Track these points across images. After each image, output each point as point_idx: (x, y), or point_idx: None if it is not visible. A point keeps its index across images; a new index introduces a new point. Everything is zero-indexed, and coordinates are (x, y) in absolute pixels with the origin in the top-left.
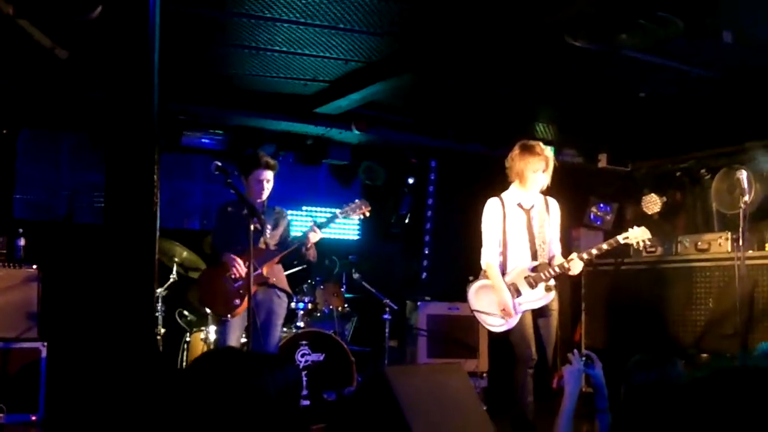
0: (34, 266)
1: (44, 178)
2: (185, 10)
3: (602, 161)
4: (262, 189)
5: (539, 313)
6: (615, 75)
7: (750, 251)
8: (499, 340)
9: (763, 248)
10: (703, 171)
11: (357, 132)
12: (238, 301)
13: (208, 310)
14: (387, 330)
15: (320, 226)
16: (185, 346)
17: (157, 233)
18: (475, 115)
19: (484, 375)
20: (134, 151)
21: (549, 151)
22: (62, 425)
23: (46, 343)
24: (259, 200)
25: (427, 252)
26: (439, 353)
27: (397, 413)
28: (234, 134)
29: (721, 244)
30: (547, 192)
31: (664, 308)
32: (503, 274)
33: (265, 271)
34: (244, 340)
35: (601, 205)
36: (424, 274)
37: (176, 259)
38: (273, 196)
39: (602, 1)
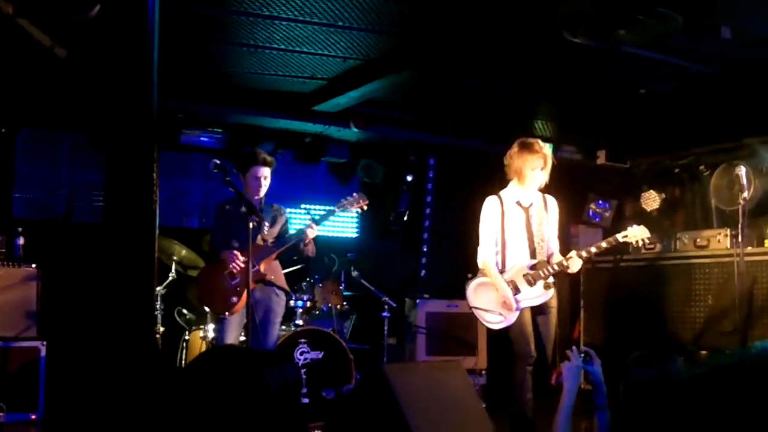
0: (34, 265)
1: (43, 177)
2: (184, 8)
3: (601, 158)
4: (260, 186)
5: (538, 311)
6: (614, 71)
7: (749, 247)
8: (498, 337)
9: (762, 244)
10: (702, 167)
11: (355, 129)
12: (235, 299)
13: (206, 309)
14: (386, 328)
15: (317, 221)
16: (184, 344)
17: (157, 231)
18: (473, 112)
19: (483, 372)
20: (134, 150)
21: (547, 149)
22: (62, 424)
23: (45, 342)
24: (256, 197)
25: (425, 249)
26: (438, 351)
27: (396, 411)
28: (232, 132)
29: (720, 240)
30: (545, 189)
31: (663, 305)
32: (502, 272)
33: (262, 268)
34: (242, 338)
35: (600, 201)
36: (423, 272)
37: (175, 258)
38: (272, 193)
39: None
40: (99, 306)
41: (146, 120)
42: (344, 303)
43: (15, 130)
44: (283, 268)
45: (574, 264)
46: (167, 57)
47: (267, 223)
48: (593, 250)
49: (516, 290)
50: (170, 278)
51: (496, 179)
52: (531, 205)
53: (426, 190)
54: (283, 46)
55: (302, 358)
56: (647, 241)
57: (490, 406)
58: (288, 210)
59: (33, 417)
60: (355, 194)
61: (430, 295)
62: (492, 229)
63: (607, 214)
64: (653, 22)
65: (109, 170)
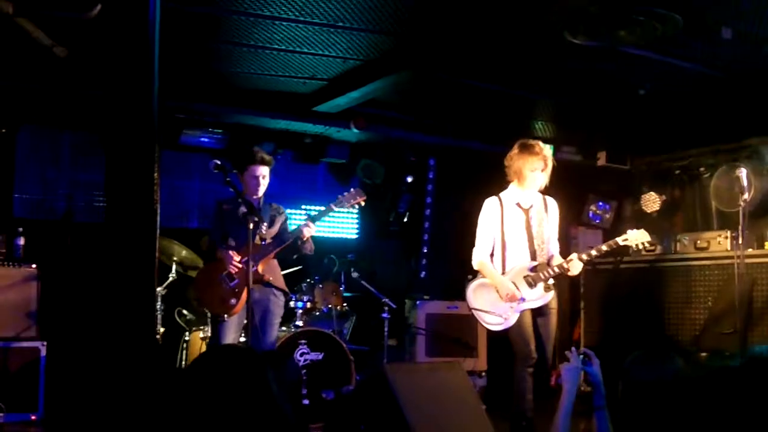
0: (34, 265)
1: (43, 176)
2: (185, 8)
3: (601, 159)
4: (258, 185)
5: (538, 312)
6: (614, 72)
7: (749, 249)
8: (498, 338)
9: (762, 246)
10: (702, 169)
11: (356, 130)
12: (234, 301)
13: (205, 311)
14: (386, 329)
15: (314, 219)
16: (184, 345)
17: (158, 231)
18: (473, 113)
19: (483, 374)
20: (134, 150)
21: (548, 151)
22: (62, 424)
23: (45, 343)
24: (255, 196)
25: (425, 251)
26: (437, 352)
27: (396, 410)
28: (232, 132)
29: (720, 242)
30: (545, 190)
31: (663, 307)
32: (502, 274)
33: (260, 268)
34: (242, 339)
35: (600, 203)
36: (423, 273)
37: (175, 258)
38: (271, 194)
39: None
40: (99, 306)
41: (147, 119)
42: (344, 304)
43: (15, 129)
44: (283, 269)
45: (575, 267)
46: (167, 57)
47: (266, 223)
48: (593, 253)
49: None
50: (170, 279)
51: (496, 180)
52: (531, 206)
53: (426, 190)
54: (283, 47)
55: (302, 359)
56: (647, 244)
57: (491, 407)
58: (288, 211)
59: (33, 417)
60: (352, 190)
61: (430, 296)
62: (489, 230)
63: (607, 216)
64: (653, 22)
65: (109, 170)
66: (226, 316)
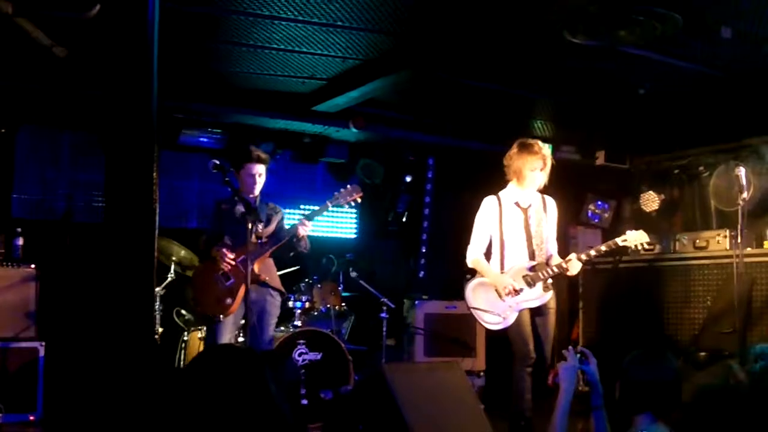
0: (32, 265)
1: (42, 176)
2: (183, 8)
3: (600, 158)
4: (254, 183)
5: (537, 312)
6: (613, 71)
7: (748, 248)
8: (496, 338)
9: (761, 245)
10: (701, 168)
11: (355, 130)
12: (229, 300)
13: (201, 311)
14: (384, 329)
15: (309, 217)
16: (183, 345)
17: (156, 231)
18: (472, 112)
19: (482, 374)
20: (134, 149)
21: (547, 150)
22: (60, 424)
23: (44, 343)
24: (251, 195)
25: (424, 250)
26: (436, 352)
27: (395, 410)
28: (231, 132)
29: (719, 241)
30: (544, 190)
31: (662, 306)
32: (501, 273)
33: (256, 267)
34: (241, 339)
35: (599, 202)
36: (422, 273)
37: (174, 258)
38: (271, 193)
39: None
40: (98, 306)
41: (146, 120)
42: (343, 304)
43: (15, 129)
44: (281, 269)
45: (574, 267)
46: (166, 57)
47: (262, 223)
48: (592, 253)
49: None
50: (169, 279)
51: (496, 180)
52: (530, 206)
53: (425, 190)
54: (282, 46)
55: (301, 359)
56: (646, 245)
57: (489, 407)
58: (287, 210)
59: (31, 418)
60: (348, 186)
61: (428, 296)
62: (485, 228)
63: (606, 215)
64: (653, 22)
65: (109, 170)
66: (221, 316)
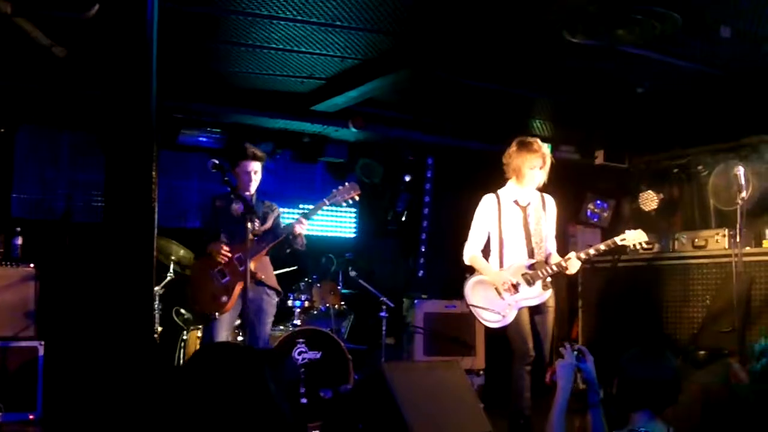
0: (32, 265)
1: (42, 176)
2: (183, 8)
3: (599, 158)
4: (250, 180)
5: (536, 310)
6: (612, 71)
7: (747, 248)
8: (496, 337)
9: (760, 245)
10: (700, 167)
11: (354, 129)
12: (225, 298)
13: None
14: (384, 328)
15: (306, 215)
16: (182, 344)
17: (155, 231)
18: (472, 111)
19: (481, 372)
20: (133, 149)
21: (546, 148)
22: (60, 424)
23: (43, 342)
24: (247, 192)
25: (423, 249)
26: (435, 351)
27: (394, 409)
28: (231, 132)
29: (718, 240)
30: (543, 189)
31: (661, 305)
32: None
33: (252, 265)
34: (240, 338)
35: (598, 201)
36: (421, 272)
37: (173, 258)
38: (270, 193)
39: None
40: (97, 306)
41: (145, 119)
42: (342, 303)
43: (14, 129)
44: (278, 269)
45: (573, 265)
46: (166, 57)
47: (258, 221)
48: (591, 252)
49: (514, 289)
50: (168, 278)
51: (495, 179)
52: (529, 204)
53: (424, 189)
54: (281, 46)
55: (300, 357)
56: (645, 244)
57: (489, 405)
58: (286, 210)
59: (31, 417)
60: (346, 184)
61: (428, 295)
62: (483, 225)
63: (605, 214)
64: (652, 21)
65: (108, 170)
66: (217, 314)
